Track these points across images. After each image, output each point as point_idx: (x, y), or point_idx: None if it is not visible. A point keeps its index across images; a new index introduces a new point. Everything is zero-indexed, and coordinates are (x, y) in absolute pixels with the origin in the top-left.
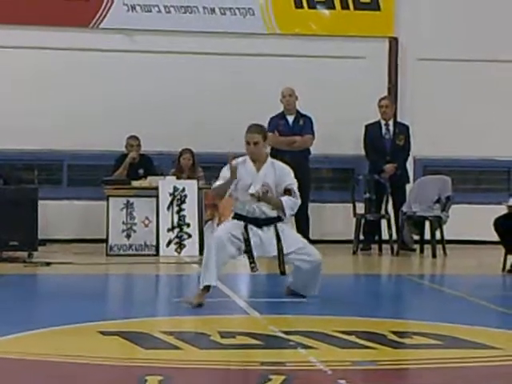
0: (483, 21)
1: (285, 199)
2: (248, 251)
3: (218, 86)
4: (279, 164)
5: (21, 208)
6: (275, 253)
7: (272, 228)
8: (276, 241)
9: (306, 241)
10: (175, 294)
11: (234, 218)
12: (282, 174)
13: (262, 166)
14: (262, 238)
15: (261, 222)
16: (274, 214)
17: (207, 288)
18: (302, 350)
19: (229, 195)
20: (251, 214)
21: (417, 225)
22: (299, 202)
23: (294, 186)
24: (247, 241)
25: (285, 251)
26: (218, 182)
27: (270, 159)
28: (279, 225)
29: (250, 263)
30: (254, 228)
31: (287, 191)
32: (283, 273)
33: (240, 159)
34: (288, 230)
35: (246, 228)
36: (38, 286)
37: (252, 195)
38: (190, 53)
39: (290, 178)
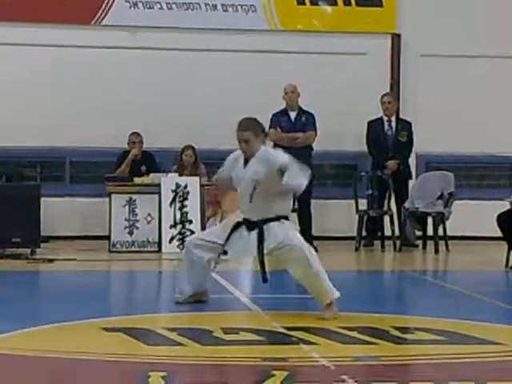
0: (486, 16)
1: (286, 180)
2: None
3: (220, 83)
4: (268, 152)
5: (23, 205)
6: (254, 253)
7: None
8: (257, 241)
9: (292, 234)
10: (178, 290)
11: None
12: (272, 162)
13: (250, 160)
14: (246, 237)
15: (249, 225)
16: (268, 215)
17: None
18: (305, 345)
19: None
20: (246, 215)
21: (419, 221)
22: (303, 167)
23: (285, 160)
24: (228, 238)
25: (265, 250)
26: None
27: (262, 150)
28: (272, 224)
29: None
30: (245, 230)
31: (281, 171)
32: (265, 279)
33: (235, 154)
34: (276, 227)
35: (236, 226)
36: (40, 283)
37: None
38: (192, 50)
39: (279, 158)
